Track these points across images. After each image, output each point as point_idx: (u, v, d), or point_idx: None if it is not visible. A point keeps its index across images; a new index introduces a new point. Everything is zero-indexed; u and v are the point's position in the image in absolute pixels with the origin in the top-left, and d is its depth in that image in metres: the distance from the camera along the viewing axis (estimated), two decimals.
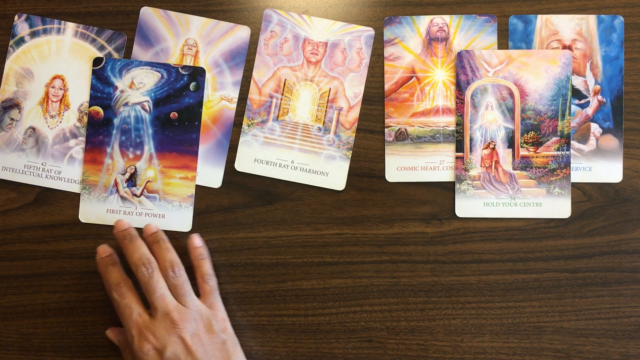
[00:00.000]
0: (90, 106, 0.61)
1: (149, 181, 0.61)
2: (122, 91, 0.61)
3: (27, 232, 0.62)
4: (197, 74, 0.61)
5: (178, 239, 0.61)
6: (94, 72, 0.61)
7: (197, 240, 0.59)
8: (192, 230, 0.61)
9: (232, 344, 0.56)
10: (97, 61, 0.61)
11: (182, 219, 0.61)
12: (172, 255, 0.57)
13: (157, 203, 0.61)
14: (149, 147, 0.61)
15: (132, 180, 0.61)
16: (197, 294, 0.58)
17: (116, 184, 0.61)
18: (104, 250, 0.58)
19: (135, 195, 0.61)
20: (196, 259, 0.58)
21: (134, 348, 0.53)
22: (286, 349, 0.61)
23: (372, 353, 0.61)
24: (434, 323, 0.61)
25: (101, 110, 0.61)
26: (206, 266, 0.58)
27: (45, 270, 0.62)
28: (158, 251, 0.57)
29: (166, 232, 0.60)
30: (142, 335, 0.53)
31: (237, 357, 0.55)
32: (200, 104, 0.61)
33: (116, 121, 0.61)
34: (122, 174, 0.61)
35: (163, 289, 0.55)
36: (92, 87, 0.61)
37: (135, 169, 0.61)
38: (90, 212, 0.61)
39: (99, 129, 0.61)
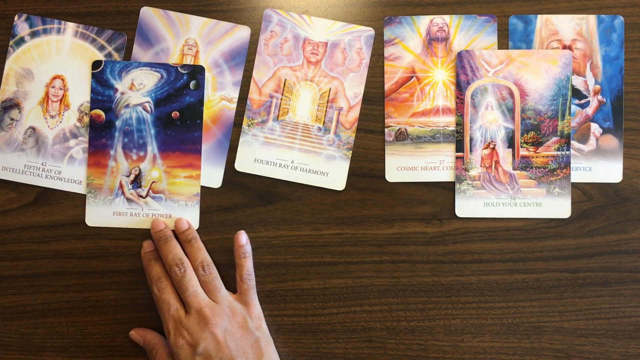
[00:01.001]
0: (91, 109, 0.61)
1: (154, 182, 0.61)
2: (122, 93, 0.61)
3: (27, 232, 0.62)
4: (196, 72, 0.61)
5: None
6: (93, 75, 0.61)
7: (242, 239, 0.60)
8: (199, 229, 0.61)
9: (265, 342, 0.57)
10: (96, 64, 0.61)
11: (189, 218, 0.61)
12: (202, 254, 0.59)
13: (163, 203, 0.61)
14: (152, 147, 0.61)
15: (137, 182, 0.61)
16: (235, 290, 0.59)
17: (121, 186, 0.61)
18: (148, 245, 0.60)
19: (141, 196, 0.61)
20: (238, 257, 0.60)
21: (170, 342, 0.56)
22: (286, 349, 0.61)
23: (372, 353, 0.61)
24: (434, 323, 0.61)
25: (102, 114, 0.61)
26: (246, 265, 0.59)
27: (45, 270, 0.62)
28: (190, 250, 0.59)
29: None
30: (178, 331, 0.55)
31: (269, 355, 0.56)
32: (201, 102, 0.61)
33: (118, 123, 0.61)
34: (127, 176, 0.61)
35: (195, 287, 0.57)
36: (93, 91, 0.61)
37: (140, 170, 0.61)
38: (97, 215, 0.61)
39: (101, 132, 0.61)
